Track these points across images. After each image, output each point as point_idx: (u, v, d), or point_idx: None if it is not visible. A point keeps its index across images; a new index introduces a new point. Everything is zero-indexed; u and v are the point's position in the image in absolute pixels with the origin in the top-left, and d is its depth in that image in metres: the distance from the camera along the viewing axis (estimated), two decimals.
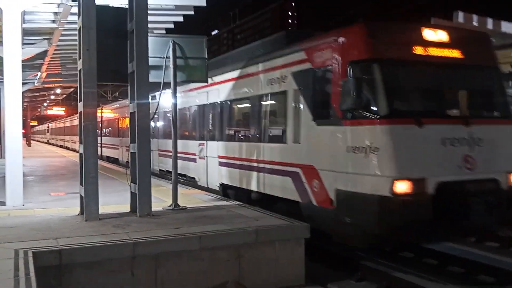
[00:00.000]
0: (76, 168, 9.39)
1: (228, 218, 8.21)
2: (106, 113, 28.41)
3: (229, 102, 12.22)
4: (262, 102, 10.69)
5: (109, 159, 26.79)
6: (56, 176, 15.91)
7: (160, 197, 10.27)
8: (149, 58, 8.56)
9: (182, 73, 9.51)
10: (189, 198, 10.48)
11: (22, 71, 9.79)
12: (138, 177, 8.36)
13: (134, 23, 8.30)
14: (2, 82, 10.54)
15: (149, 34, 8.58)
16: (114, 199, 10.05)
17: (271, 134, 10.41)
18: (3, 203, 9.33)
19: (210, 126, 13.19)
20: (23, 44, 13.08)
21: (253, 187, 10.85)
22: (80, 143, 8.23)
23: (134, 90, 8.40)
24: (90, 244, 6.34)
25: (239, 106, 12.16)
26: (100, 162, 11.25)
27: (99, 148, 12.60)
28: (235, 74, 11.83)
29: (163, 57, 9.28)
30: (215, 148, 12.71)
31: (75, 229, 7.21)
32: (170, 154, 16.64)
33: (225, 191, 12.23)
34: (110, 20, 8.46)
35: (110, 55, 8.42)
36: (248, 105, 11.37)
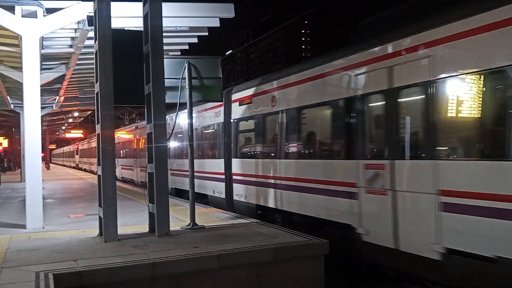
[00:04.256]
0: (94, 189, 9.47)
1: (247, 236, 8.19)
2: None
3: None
4: None
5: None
6: (74, 198, 16.06)
7: (178, 217, 10.29)
8: (165, 79, 8.67)
9: (197, 93, 9.60)
10: (207, 217, 10.49)
11: (41, 95, 9.98)
12: (156, 197, 8.40)
13: (149, 45, 8.42)
14: (22, 107, 10.73)
15: (164, 56, 8.70)
16: (133, 220, 10.09)
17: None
18: (24, 226, 9.43)
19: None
20: (42, 69, 13.34)
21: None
22: (98, 164, 8.32)
23: (151, 111, 8.50)
24: (110, 265, 6.36)
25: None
26: (118, 183, 11.33)
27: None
28: None
29: (179, 78, 9.39)
30: None
31: (94, 251, 7.25)
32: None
33: None
34: (126, 43, 8.59)
35: (126, 77, 8.52)
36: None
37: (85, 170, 48.83)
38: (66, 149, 79.02)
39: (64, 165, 72.63)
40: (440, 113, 6.80)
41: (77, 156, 61.53)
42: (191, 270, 6.69)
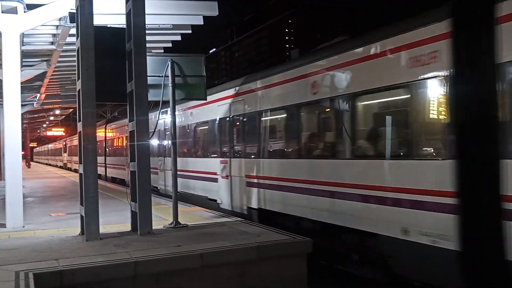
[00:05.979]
0: (76, 188, 9.38)
1: (230, 234, 8.18)
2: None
3: None
4: None
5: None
6: (56, 197, 15.87)
7: (161, 215, 10.24)
8: (147, 77, 8.61)
9: (181, 91, 9.56)
10: (190, 215, 10.45)
11: (21, 93, 9.85)
12: (138, 196, 8.35)
13: (132, 43, 8.36)
14: (2, 104, 10.59)
15: (147, 54, 8.64)
16: (115, 218, 10.01)
17: None
18: (3, 225, 9.29)
19: None
20: (22, 66, 13.16)
21: None
22: (80, 163, 8.24)
23: (133, 109, 8.44)
24: (92, 264, 6.30)
25: None
26: (100, 181, 11.24)
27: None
28: None
29: (162, 76, 9.34)
30: None
31: (76, 250, 7.18)
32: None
33: None
34: (108, 40, 8.52)
35: (108, 75, 8.45)
36: None
37: (75, 170, 37.59)
38: (51, 146, 71.78)
39: (50, 165, 66.21)
40: None
41: (65, 154, 53.11)
42: (174, 269, 6.66)
